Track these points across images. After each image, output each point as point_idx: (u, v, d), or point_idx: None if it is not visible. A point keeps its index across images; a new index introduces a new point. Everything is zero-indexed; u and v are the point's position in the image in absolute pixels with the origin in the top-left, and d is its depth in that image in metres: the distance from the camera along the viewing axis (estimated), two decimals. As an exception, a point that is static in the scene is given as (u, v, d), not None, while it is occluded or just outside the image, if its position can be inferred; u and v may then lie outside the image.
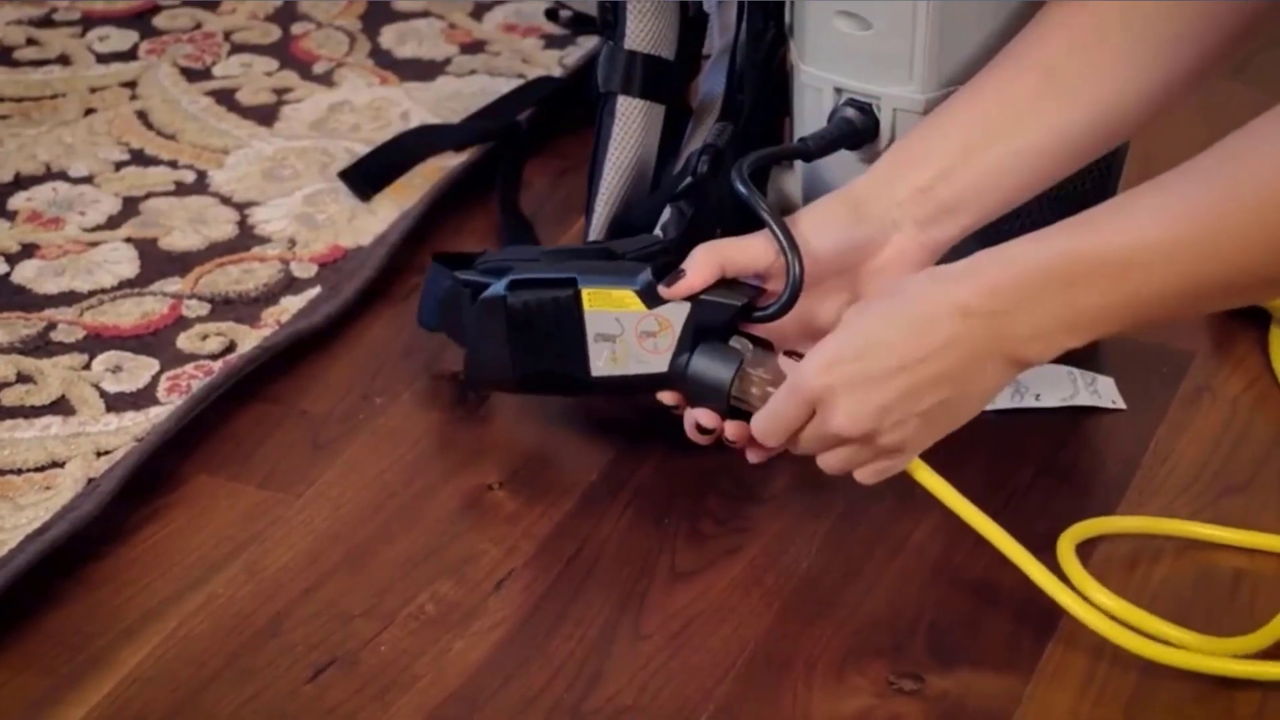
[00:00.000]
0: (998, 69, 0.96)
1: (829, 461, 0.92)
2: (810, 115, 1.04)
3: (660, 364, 0.96)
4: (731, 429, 0.95)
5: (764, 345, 0.96)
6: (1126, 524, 0.97)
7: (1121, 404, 1.03)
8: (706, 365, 0.95)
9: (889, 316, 0.89)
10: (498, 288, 0.99)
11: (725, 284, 0.96)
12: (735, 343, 0.95)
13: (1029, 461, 1.02)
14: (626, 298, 0.96)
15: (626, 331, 0.96)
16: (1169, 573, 0.95)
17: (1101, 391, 1.04)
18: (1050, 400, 1.03)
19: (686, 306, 0.95)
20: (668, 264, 0.97)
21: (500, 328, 0.99)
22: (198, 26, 1.41)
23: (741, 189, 0.95)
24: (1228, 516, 0.98)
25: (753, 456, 0.96)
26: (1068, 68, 0.94)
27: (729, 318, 0.95)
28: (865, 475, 0.92)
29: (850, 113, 1.02)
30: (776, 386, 0.93)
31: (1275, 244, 0.82)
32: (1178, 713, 0.88)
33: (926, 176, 0.95)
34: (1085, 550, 0.96)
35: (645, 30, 1.07)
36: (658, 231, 1.05)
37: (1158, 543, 0.97)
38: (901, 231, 0.95)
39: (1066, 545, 0.95)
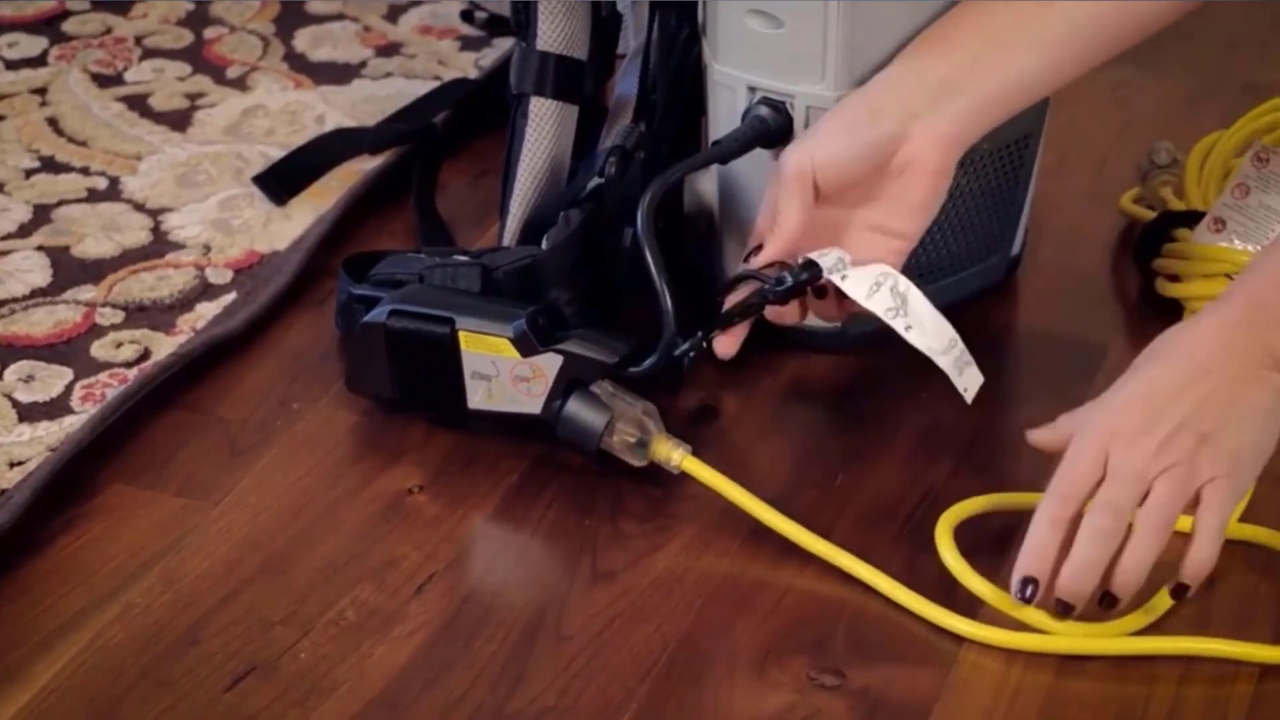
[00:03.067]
0: None
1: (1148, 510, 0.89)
2: (724, 114, 1.04)
3: (534, 406, 0.99)
4: None
5: (628, 387, 0.99)
6: (1002, 501, 0.97)
7: (969, 398, 0.99)
8: (578, 413, 0.98)
9: (1168, 367, 0.90)
10: (379, 313, 1.01)
11: (599, 337, 0.98)
12: (597, 388, 0.98)
13: (948, 455, 1.02)
14: (502, 345, 0.98)
15: (502, 374, 0.99)
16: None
17: (967, 376, 0.99)
18: (917, 341, 0.97)
19: (559, 359, 0.98)
20: (543, 312, 0.99)
21: (381, 351, 1.01)
22: (108, 31, 1.39)
23: (640, 231, 0.96)
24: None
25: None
26: None
27: (600, 374, 0.98)
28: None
29: (764, 111, 1.02)
30: (643, 433, 0.97)
31: None
32: (1095, 704, 0.89)
33: (944, 71, 0.96)
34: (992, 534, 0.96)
35: (557, 31, 1.07)
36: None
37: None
38: (920, 120, 0.95)
39: (944, 528, 0.95)
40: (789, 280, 0.96)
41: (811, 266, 0.96)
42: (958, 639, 0.91)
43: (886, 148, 0.96)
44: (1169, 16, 0.97)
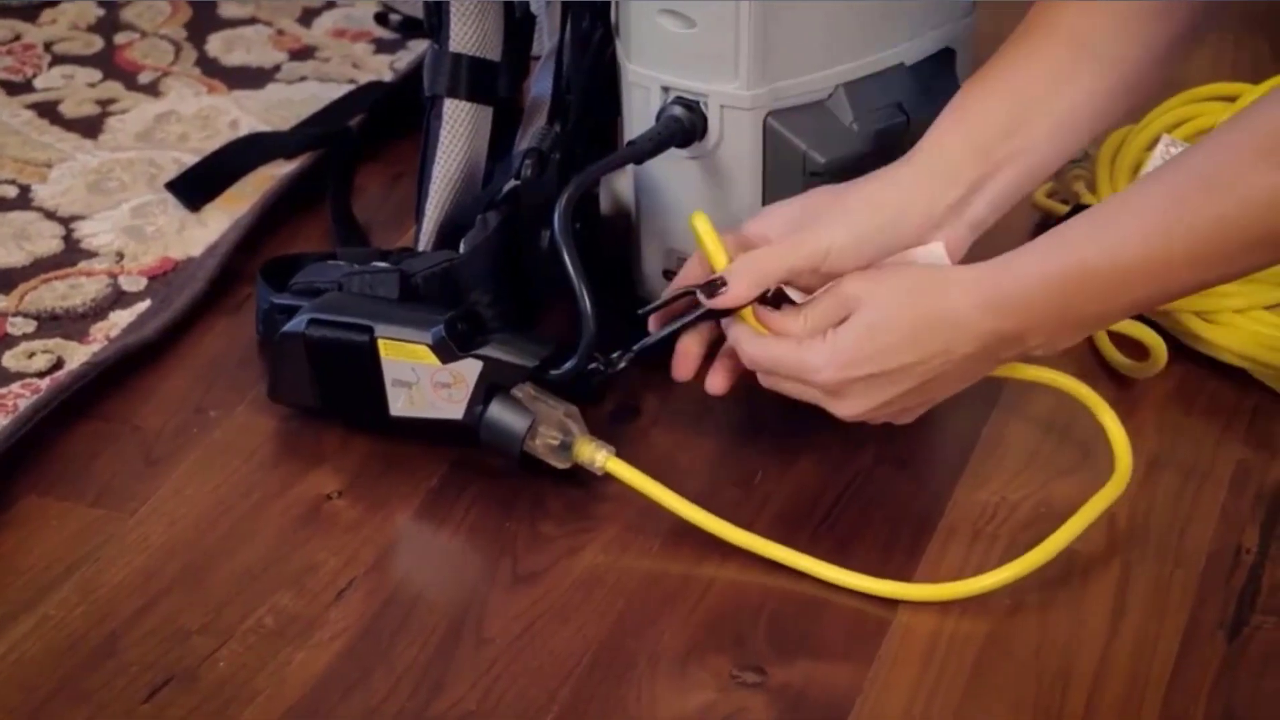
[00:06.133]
0: (1021, 45, 0.96)
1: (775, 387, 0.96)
2: (639, 114, 1.04)
3: (456, 412, 0.99)
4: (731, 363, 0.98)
5: (549, 389, 0.98)
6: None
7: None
8: (500, 417, 0.98)
9: (907, 330, 0.92)
10: (298, 323, 1.00)
11: (518, 341, 0.98)
12: (519, 392, 0.98)
13: (867, 447, 1.03)
14: (421, 351, 0.97)
15: (422, 381, 0.98)
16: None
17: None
18: None
19: (479, 364, 0.97)
20: (462, 317, 0.99)
21: (301, 360, 1.01)
22: (17, 38, 1.38)
23: (557, 233, 0.96)
24: (1058, 499, 0.99)
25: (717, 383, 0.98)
26: (1092, 30, 0.95)
27: (520, 379, 0.97)
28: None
29: (678, 111, 1.02)
30: (566, 436, 0.97)
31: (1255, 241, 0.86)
32: (1014, 691, 0.89)
33: (965, 168, 0.95)
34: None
35: (469, 32, 1.07)
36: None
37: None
38: (940, 230, 0.96)
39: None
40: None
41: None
42: (879, 635, 0.92)
43: (902, 252, 0.96)
44: (1157, 65, 0.97)
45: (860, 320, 0.92)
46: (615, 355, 0.98)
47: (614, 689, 0.89)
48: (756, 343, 0.95)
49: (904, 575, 0.95)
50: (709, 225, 0.96)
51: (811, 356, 0.93)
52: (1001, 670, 0.90)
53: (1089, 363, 1.09)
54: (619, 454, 0.99)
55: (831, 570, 0.94)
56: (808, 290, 0.96)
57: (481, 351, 0.98)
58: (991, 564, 0.96)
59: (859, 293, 0.93)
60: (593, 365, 0.97)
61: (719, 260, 0.95)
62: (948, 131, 0.97)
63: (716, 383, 0.98)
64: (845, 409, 0.94)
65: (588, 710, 0.88)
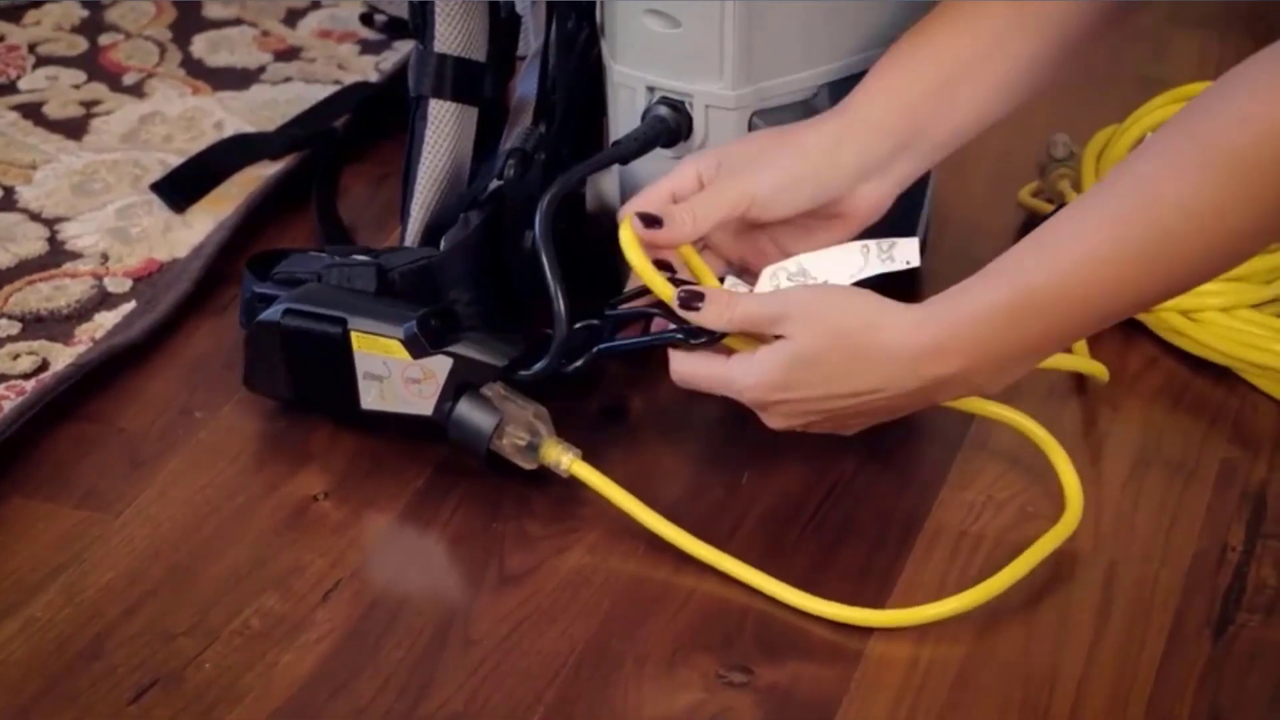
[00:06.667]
0: (960, 3, 0.96)
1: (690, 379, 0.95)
2: (624, 114, 1.04)
3: (426, 408, 0.99)
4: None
5: (520, 390, 0.98)
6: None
7: (916, 261, 0.98)
8: (468, 415, 0.98)
9: (836, 366, 0.90)
10: (274, 312, 1.00)
11: (490, 340, 0.98)
12: (488, 390, 0.98)
13: (852, 450, 1.03)
14: (393, 346, 0.97)
15: (393, 375, 0.99)
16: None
17: (896, 255, 0.98)
18: (839, 279, 0.97)
19: (449, 361, 0.97)
20: (436, 314, 0.99)
21: (276, 349, 1.00)
22: (0, 39, 1.38)
23: (538, 234, 0.95)
24: (1044, 499, 1.00)
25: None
26: None
27: (490, 378, 0.97)
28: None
29: (663, 111, 1.02)
30: (534, 436, 0.97)
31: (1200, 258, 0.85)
32: (1001, 691, 0.89)
33: (894, 123, 0.96)
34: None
35: (454, 32, 1.07)
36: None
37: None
38: (869, 182, 0.96)
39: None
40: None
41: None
42: (865, 635, 0.92)
43: (828, 204, 0.96)
44: (1100, 30, 0.97)
45: (787, 349, 0.91)
46: (580, 359, 0.97)
47: (601, 689, 0.89)
48: (686, 360, 0.94)
49: (890, 576, 0.95)
50: (636, 248, 0.94)
51: (738, 376, 0.92)
52: (987, 670, 0.90)
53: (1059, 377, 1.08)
54: (604, 454, 0.99)
55: (799, 596, 0.93)
56: (733, 242, 0.96)
57: (452, 349, 0.98)
58: (978, 564, 0.96)
59: (794, 317, 0.91)
60: (573, 366, 0.97)
61: (656, 284, 0.94)
62: (877, 89, 0.97)
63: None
64: (773, 424, 0.94)
65: (574, 711, 0.88)
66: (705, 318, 0.93)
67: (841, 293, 0.93)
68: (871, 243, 0.97)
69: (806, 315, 0.91)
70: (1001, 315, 0.88)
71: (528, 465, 0.98)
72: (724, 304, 0.92)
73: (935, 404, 0.94)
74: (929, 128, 0.97)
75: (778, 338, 0.91)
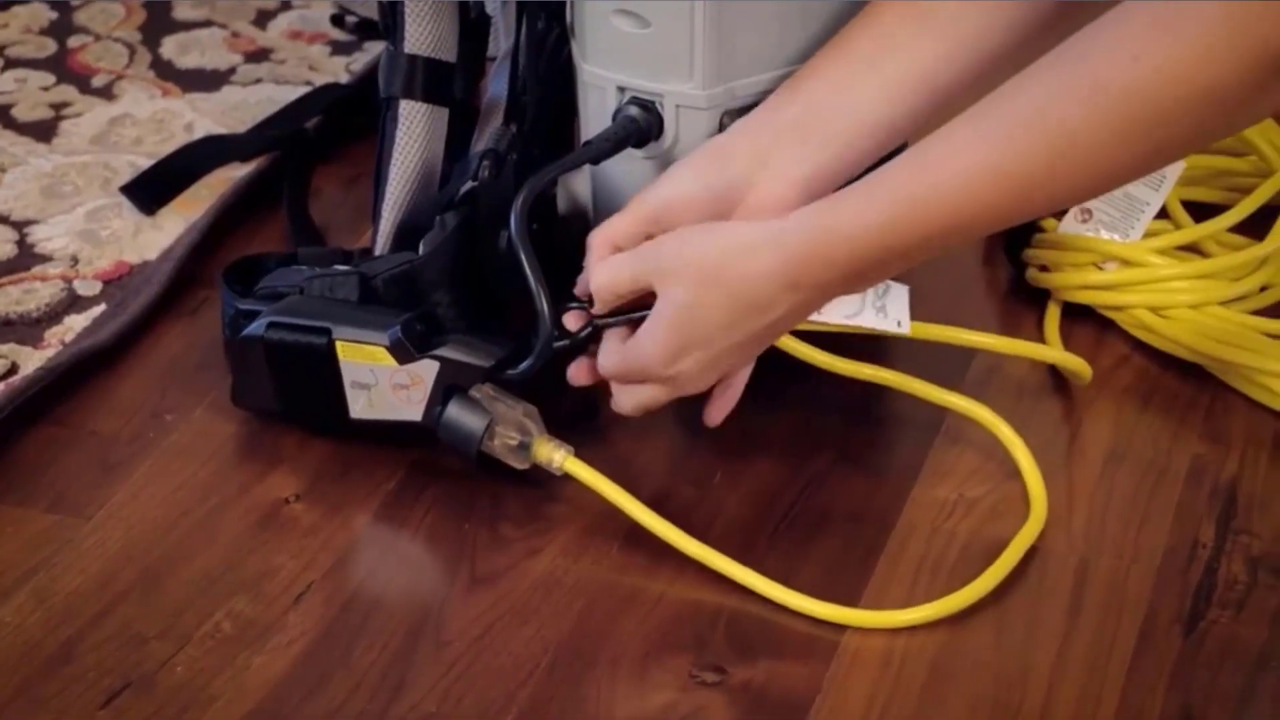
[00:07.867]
0: (868, 9, 0.98)
1: (626, 402, 0.97)
2: (595, 114, 1.04)
3: (415, 413, 0.99)
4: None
5: (509, 390, 0.98)
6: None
7: (907, 327, 1.00)
8: (458, 418, 0.97)
9: (720, 304, 0.92)
10: (257, 326, 1.00)
11: (475, 341, 0.98)
12: (477, 392, 0.98)
13: (825, 447, 1.03)
14: (379, 353, 0.97)
15: (381, 382, 0.98)
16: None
17: (889, 308, 1.00)
18: (832, 317, 0.99)
19: (436, 365, 0.97)
20: (420, 318, 0.99)
21: (261, 364, 1.00)
22: (-31, 42, 1.37)
23: (514, 234, 0.96)
24: (1016, 494, 1.00)
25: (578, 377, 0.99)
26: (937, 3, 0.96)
27: (477, 379, 0.97)
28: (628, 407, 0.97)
29: (634, 111, 1.02)
30: (525, 436, 0.97)
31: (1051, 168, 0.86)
32: (973, 689, 0.90)
33: (793, 113, 0.96)
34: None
35: (424, 33, 1.06)
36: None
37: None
38: (768, 167, 0.96)
39: None
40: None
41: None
42: (838, 633, 0.92)
43: (733, 195, 0.96)
44: (1023, 46, 0.97)
45: (671, 302, 0.92)
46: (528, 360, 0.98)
47: (574, 690, 0.89)
48: (604, 352, 0.96)
49: (863, 574, 0.95)
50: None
51: (645, 343, 0.94)
52: (959, 668, 0.91)
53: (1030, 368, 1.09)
54: (577, 453, 0.98)
55: (779, 590, 0.93)
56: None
57: (438, 352, 0.98)
58: (950, 561, 0.96)
59: (665, 270, 0.93)
60: (525, 365, 0.98)
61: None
62: (786, 86, 0.98)
63: (578, 373, 0.99)
64: (692, 387, 0.95)
65: (547, 711, 0.88)
66: (597, 278, 0.95)
67: (699, 233, 0.94)
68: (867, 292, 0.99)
69: (681, 261, 0.93)
70: (874, 230, 0.89)
71: (519, 465, 0.98)
72: (608, 263, 0.95)
73: (822, 305, 0.94)
74: (824, 117, 0.96)
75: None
